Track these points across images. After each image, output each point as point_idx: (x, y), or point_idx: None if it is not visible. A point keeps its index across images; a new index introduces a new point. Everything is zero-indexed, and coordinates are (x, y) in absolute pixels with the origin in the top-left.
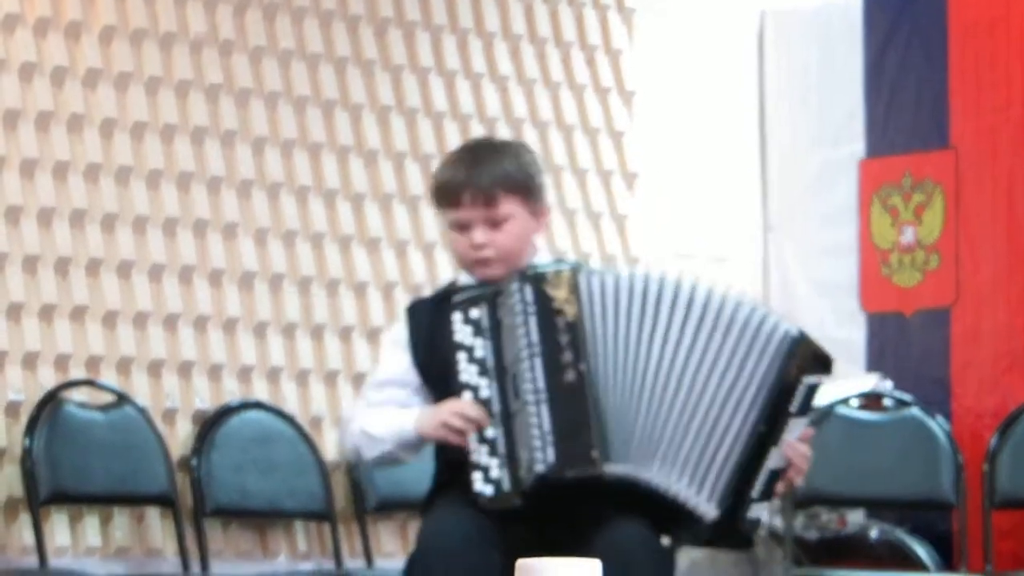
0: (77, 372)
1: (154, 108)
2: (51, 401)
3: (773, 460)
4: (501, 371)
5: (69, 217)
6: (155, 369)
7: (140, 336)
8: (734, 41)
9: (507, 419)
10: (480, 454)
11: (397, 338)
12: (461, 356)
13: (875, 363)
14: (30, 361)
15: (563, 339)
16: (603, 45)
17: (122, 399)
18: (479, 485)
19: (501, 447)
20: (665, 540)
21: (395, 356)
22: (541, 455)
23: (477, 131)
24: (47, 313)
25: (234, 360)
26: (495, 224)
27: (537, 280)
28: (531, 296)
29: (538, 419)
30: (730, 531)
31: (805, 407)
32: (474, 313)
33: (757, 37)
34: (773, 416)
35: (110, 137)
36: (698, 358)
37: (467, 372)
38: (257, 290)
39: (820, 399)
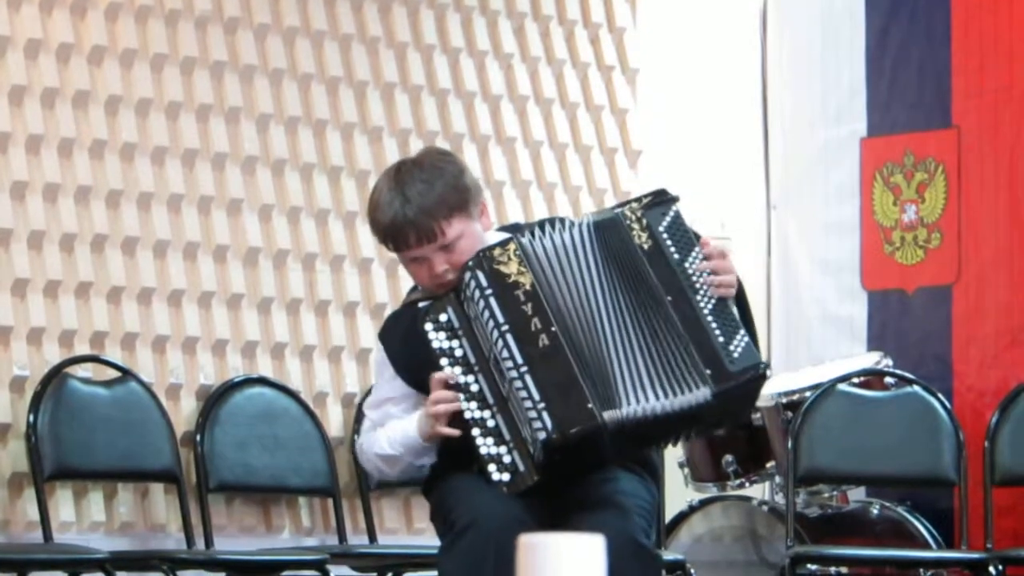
0: (82, 348)
1: (159, 85)
2: (56, 377)
3: (706, 304)
4: (483, 362)
5: (74, 194)
6: (159, 345)
7: (145, 312)
8: (737, 19)
9: (502, 404)
10: (488, 445)
11: (379, 360)
12: (444, 361)
13: (877, 341)
14: (35, 337)
15: (527, 309)
16: (607, 23)
17: (127, 375)
18: (496, 475)
19: (505, 433)
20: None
21: (382, 376)
22: (540, 423)
23: (481, 109)
24: (52, 289)
25: (238, 336)
26: (448, 248)
27: (486, 262)
28: (485, 279)
29: (527, 391)
30: (733, 384)
31: (685, 244)
32: (443, 317)
33: (760, 16)
34: (667, 280)
35: (115, 114)
36: (611, 282)
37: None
38: (261, 266)
39: (688, 221)
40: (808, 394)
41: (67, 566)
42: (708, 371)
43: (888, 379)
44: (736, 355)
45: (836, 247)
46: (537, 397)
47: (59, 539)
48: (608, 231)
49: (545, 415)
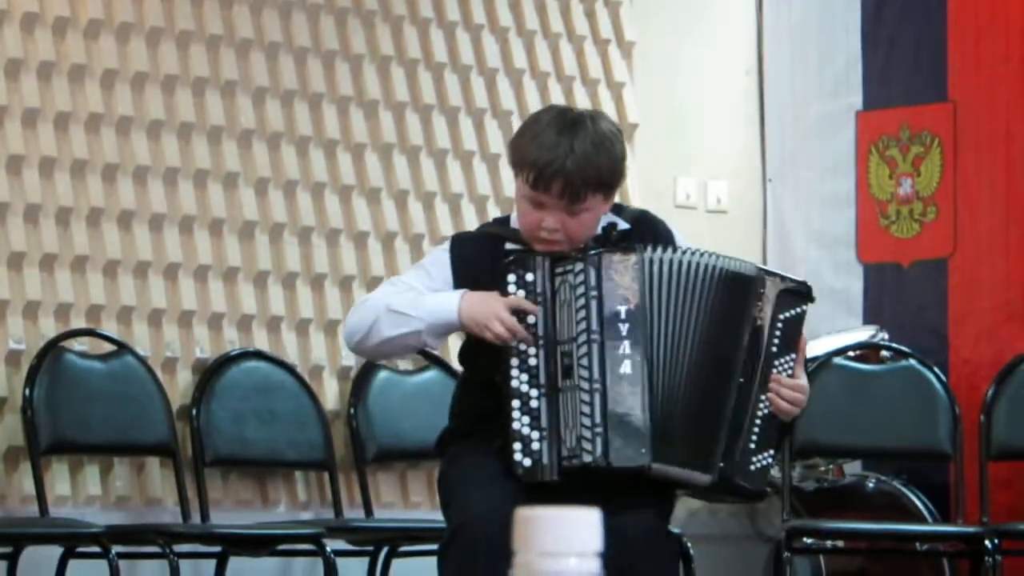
0: (78, 322)
1: (155, 59)
2: (52, 350)
3: (764, 408)
4: (551, 342)
5: (70, 167)
6: (155, 319)
7: (141, 286)
8: None
9: (552, 391)
10: (521, 423)
11: (439, 258)
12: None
13: (873, 314)
14: (31, 310)
15: (623, 328)
16: None
17: (123, 348)
18: (518, 455)
19: (544, 421)
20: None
21: (435, 272)
22: (589, 445)
23: (477, 83)
24: (48, 263)
25: (234, 310)
26: (573, 214)
27: (604, 261)
28: (595, 279)
29: (590, 407)
30: (733, 488)
31: (788, 345)
32: (529, 277)
33: None
34: (750, 364)
35: (111, 88)
36: (705, 330)
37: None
38: (257, 240)
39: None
40: None
41: (63, 540)
42: (721, 464)
43: (884, 352)
44: (752, 469)
45: (832, 221)
46: (598, 419)
47: (55, 513)
48: (738, 284)
49: (599, 440)
